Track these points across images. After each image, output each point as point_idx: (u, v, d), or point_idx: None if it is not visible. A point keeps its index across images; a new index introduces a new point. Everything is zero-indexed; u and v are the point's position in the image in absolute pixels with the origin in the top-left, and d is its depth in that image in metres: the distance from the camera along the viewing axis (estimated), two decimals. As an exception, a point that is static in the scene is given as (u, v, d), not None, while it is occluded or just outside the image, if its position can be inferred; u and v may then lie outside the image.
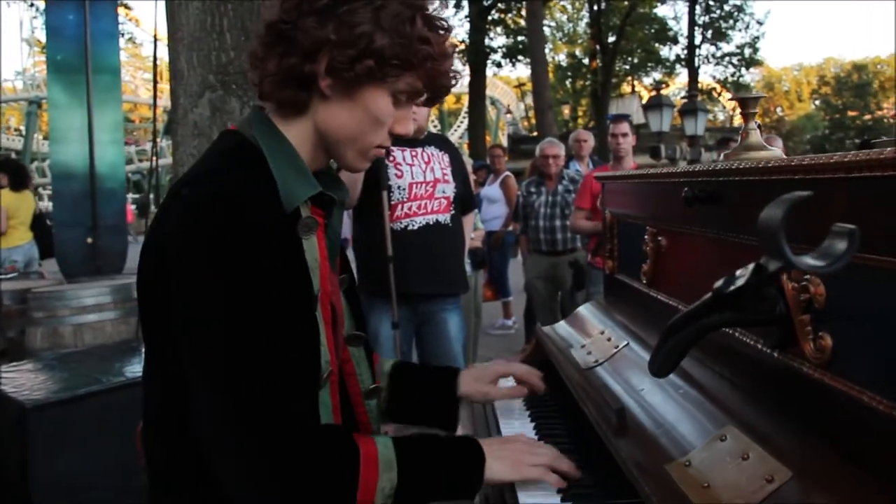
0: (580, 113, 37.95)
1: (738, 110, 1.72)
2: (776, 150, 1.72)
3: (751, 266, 0.94)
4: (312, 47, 1.34)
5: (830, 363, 1.09)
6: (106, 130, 7.86)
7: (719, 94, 34.17)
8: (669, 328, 1.03)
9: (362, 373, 1.63)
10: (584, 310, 2.48)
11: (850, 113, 50.53)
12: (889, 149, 0.92)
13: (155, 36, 4.68)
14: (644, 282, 2.00)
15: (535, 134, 22.65)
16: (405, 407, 1.82)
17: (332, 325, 1.46)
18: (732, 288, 0.94)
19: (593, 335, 2.13)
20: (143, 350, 1.46)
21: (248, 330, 1.26)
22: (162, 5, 4.58)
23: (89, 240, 7.62)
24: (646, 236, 1.97)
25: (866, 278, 0.99)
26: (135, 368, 3.79)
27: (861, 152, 0.99)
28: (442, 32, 1.43)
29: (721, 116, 48.11)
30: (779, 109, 64.50)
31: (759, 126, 1.77)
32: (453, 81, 1.48)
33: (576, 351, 2.07)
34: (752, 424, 1.23)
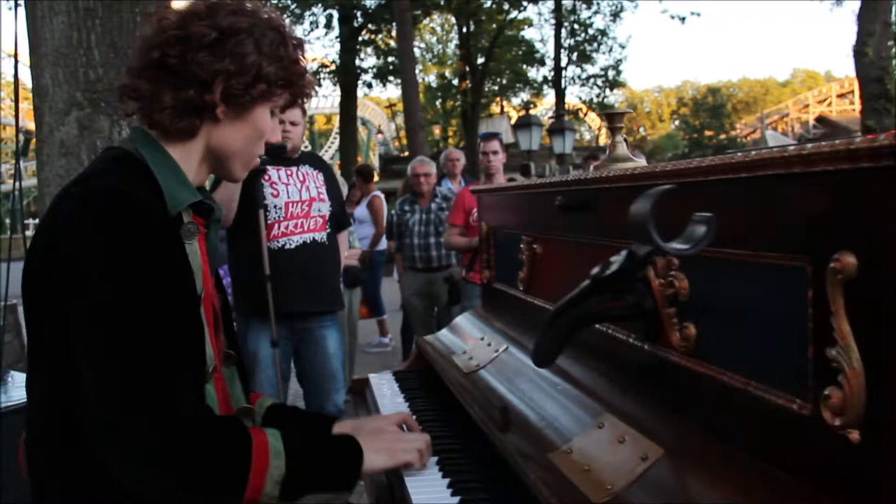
0: (451, 133, 38.43)
1: (604, 130, 1.84)
2: (641, 161, 1.85)
3: (623, 252, 1.03)
4: (208, 78, 1.45)
5: (695, 350, 1.20)
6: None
7: (585, 115, 35.29)
8: (552, 314, 1.11)
9: (235, 393, 1.69)
10: (463, 319, 2.56)
11: (707, 133, 53.06)
12: (739, 154, 1.03)
13: (16, 53, 4.49)
14: (521, 289, 2.09)
15: (406, 154, 22.85)
16: None
17: (213, 326, 1.55)
18: (608, 272, 1.03)
19: (473, 342, 2.21)
20: (27, 350, 1.48)
21: (140, 319, 1.32)
22: (22, 17, 4.40)
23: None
24: (521, 245, 2.06)
25: (723, 271, 1.11)
26: (-1, 399, 3.62)
27: (714, 158, 1.10)
28: (302, 49, 1.60)
29: (588, 136, 49.67)
30: (642, 129, 67.18)
31: (624, 139, 1.90)
32: (315, 89, 1.69)
33: (457, 357, 2.14)
34: (627, 412, 1.33)
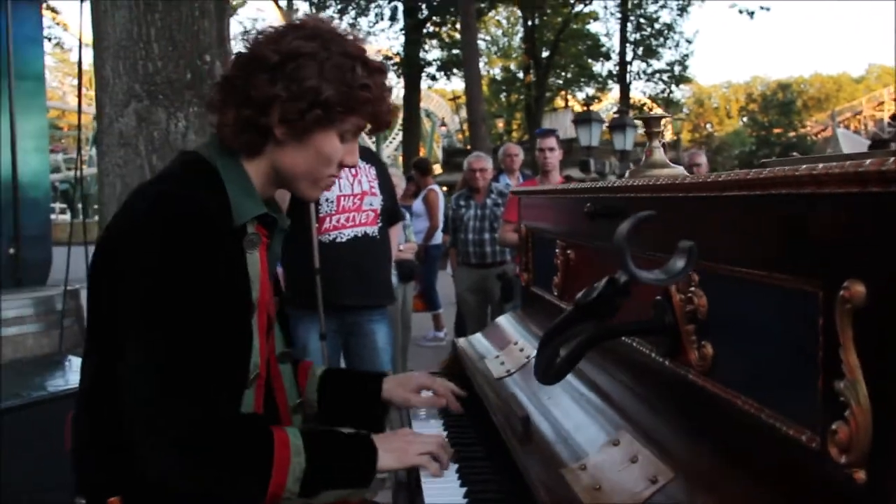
0: (514, 126, 38.28)
1: (669, 125, 1.80)
2: (678, 169, 1.79)
3: (604, 279, 1.01)
4: (265, 102, 1.50)
5: (711, 370, 1.16)
6: (29, 138, 7.62)
7: (651, 110, 34.85)
8: (543, 337, 1.09)
9: (289, 388, 1.75)
10: (503, 321, 2.54)
11: (776, 130, 52.01)
12: (767, 170, 0.98)
13: (80, 41, 4.59)
14: (555, 293, 2.06)
15: (469, 147, 22.85)
16: (334, 409, 1.95)
17: (265, 333, 1.59)
18: (590, 298, 1.00)
19: (508, 346, 2.19)
20: (86, 336, 1.59)
21: (189, 317, 1.40)
22: (87, 11, 4.50)
23: (11, 251, 7.41)
24: (556, 250, 2.03)
25: (741, 290, 1.06)
26: (57, 382, 3.71)
27: (732, 173, 1.06)
28: (379, 75, 1.60)
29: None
30: (709, 125, 66.03)
31: (672, 144, 1.85)
32: (392, 117, 1.67)
33: (490, 362, 2.12)
34: (644, 429, 1.30)
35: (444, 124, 45.78)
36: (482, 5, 25.65)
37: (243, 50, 1.57)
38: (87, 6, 4.55)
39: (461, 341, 2.49)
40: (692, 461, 1.13)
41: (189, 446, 1.37)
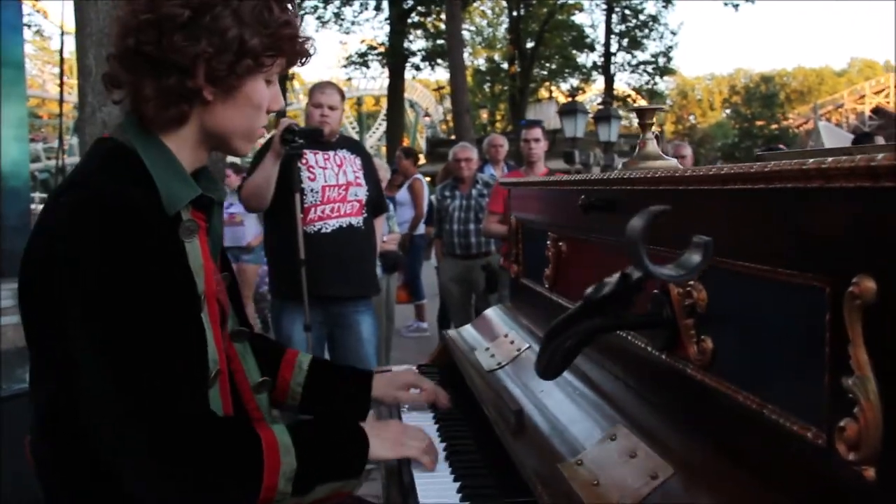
0: (498, 117, 38.28)
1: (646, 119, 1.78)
2: (672, 161, 1.78)
3: (616, 275, 0.99)
4: (188, 63, 1.35)
5: (711, 365, 1.14)
6: (9, 127, 7.52)
7: (634, 101, 34.91)
8: (548, 333, 1.07)
9: (249, 368, 1.65)
10: (492, 313, 2.52)
11: (758, 122, 52.29)
12: (772, 163, 0.97)
13: (62, 29, 4.52)
14: (546, 286, 2.05)
15: (453, 137, 22.80)
16: (321, 403, 1.87)
17: (219, 324, 1.50)
18: (601, 295, 0.98)
19: (498, 338, 2.17)
20: (30, 356, 1.44)
21: (138, 330, 1.28)
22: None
23: (-7, 241, 7.30)
24: (548, 242, 2.01)
25: (743, 285, 1.05)
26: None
27: (734, 165, 1.04)
28: (291, 7, 1.48)
29: (636, 123, 49.27)
30: (692, 117, 66.25)
31: (656, 136, 1.83)
32: (312, 48, 1.54)
33: (480, 354, 2.11)
34: (641, 423, 1.28)
35: (427, 115, 45.70)
36: (467, -5, 25.61)
37: (127, 14, 1.37)
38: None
39: (450, 333, 2.47)
40: (692, 457, 1.12)
41: (169, 464, 1.27)
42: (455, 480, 1.52)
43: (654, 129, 1.82)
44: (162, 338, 1.30)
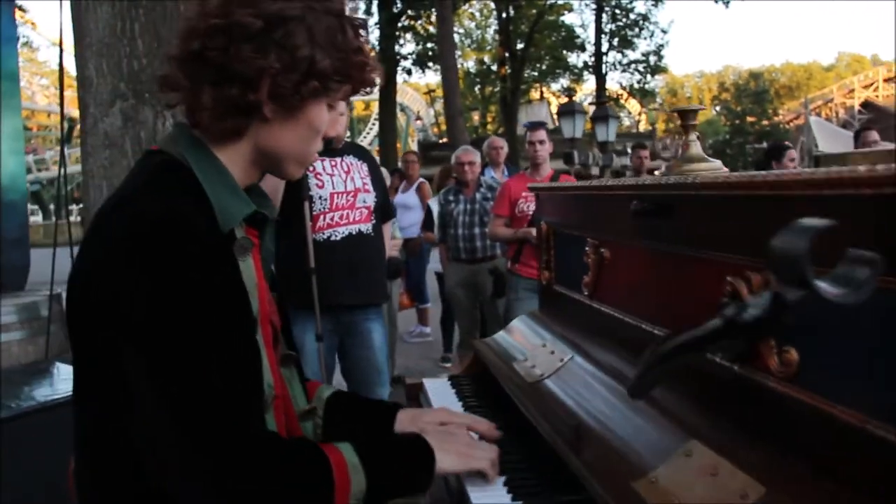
0: (489, 119, 38.26)
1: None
2: (716, 162, 1.74)
3: (766, 294, 0.93)
4: (253, 75, 1.30)
5: (796, 377, 1.09)
6: (7, 140, 7.42)
7: (626, 101, 34.98)
8: (666, 351, 1.01)
9: (296, 395, 1.60)
10: (520, 322, 2.47)
11: (749, 118, 52.51)
12: (848, 168, 0.92)
13: (61, 38, 4.48)
14: (586, 293, 2.00)
15: (444, 140, 22.73)
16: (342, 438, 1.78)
17: (272, 346, 1.45)
18: (747, 316, 0.92)
19: (533, 348, 2.12)
20: (74, 376, 1.39)
21: (194, 356, 1.22)
22: (67, 8, 4.38)
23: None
24: (587, 248, 1.96)
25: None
26: (45, 391, 3.59)
27: (822, 170, 0.99)
28: (363, 34, 1.44)
29: (627, 122, 49.40)
30: (682, 115, 66.36)
31: (697, 137, 1.79)
32: (379, 78, 1.49)
33: (518, 364, 2.05)
34: (713, 439, 1.23)
35: (419, 118, 45.67)
36: (457, -2, 25.62)
37: (196, 16, 1.33)
38: (66, 3, 4.43)
39: (479, 343, 2.42)
40: (780, 475, 1.07)
41: (234, 487, 1.21)
42: (514, 500, 1.45)
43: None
44: (220, 362, 1.24)
